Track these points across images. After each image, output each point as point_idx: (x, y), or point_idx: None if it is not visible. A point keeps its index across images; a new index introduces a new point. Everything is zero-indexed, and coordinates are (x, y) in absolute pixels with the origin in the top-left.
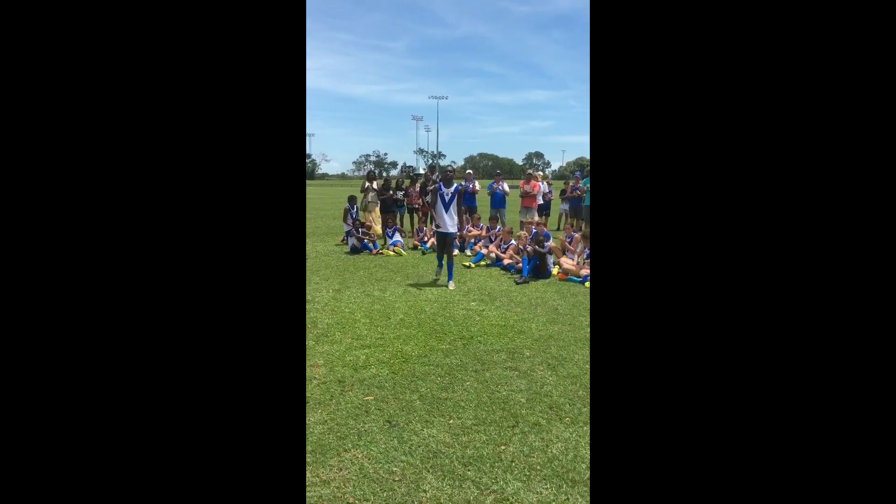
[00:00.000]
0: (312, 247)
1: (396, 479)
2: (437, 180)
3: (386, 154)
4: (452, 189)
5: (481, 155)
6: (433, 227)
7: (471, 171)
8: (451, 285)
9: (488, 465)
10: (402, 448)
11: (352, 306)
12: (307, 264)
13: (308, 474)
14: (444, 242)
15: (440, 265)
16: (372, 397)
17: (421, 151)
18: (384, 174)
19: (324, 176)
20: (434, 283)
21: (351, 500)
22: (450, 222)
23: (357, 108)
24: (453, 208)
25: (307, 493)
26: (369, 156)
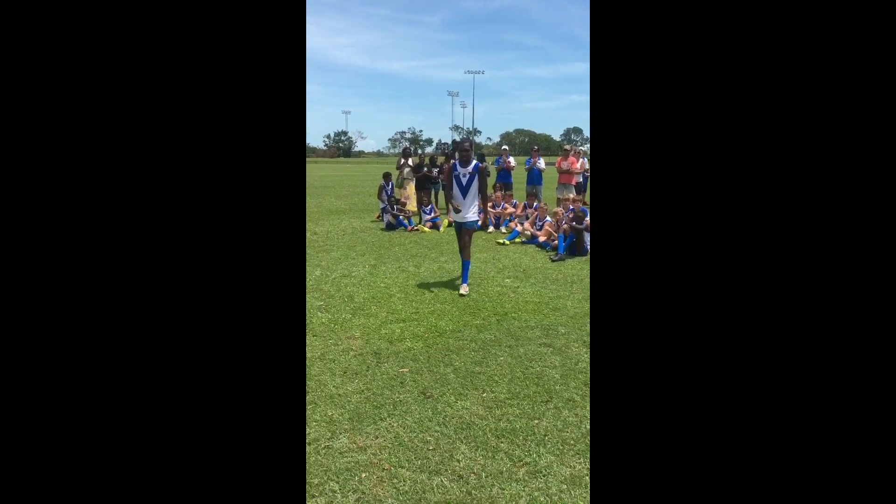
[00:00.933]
0: (349, 223)
1: (430, 448)
2: (455, 158)
3: (421, 131)
4: (471, 168)
5: (517, 131)
6: (451, 214)
7: (506, 147)
8: (464, 289)
9: (521, 437)
10: (436, 419)
11: (387, 281)
12: (344, 240)
13: (346, 440)
14: (461, 233)
15: (464, 270)
16: (407, 369)
17: (456, 128)
18: (419, 151)
19: (360, 153)
20: None
21: (387, 467)
22: (468, 208)
23: (393, 85)
24: (474, 191)
25: (345, 459)
26: (405, 133)
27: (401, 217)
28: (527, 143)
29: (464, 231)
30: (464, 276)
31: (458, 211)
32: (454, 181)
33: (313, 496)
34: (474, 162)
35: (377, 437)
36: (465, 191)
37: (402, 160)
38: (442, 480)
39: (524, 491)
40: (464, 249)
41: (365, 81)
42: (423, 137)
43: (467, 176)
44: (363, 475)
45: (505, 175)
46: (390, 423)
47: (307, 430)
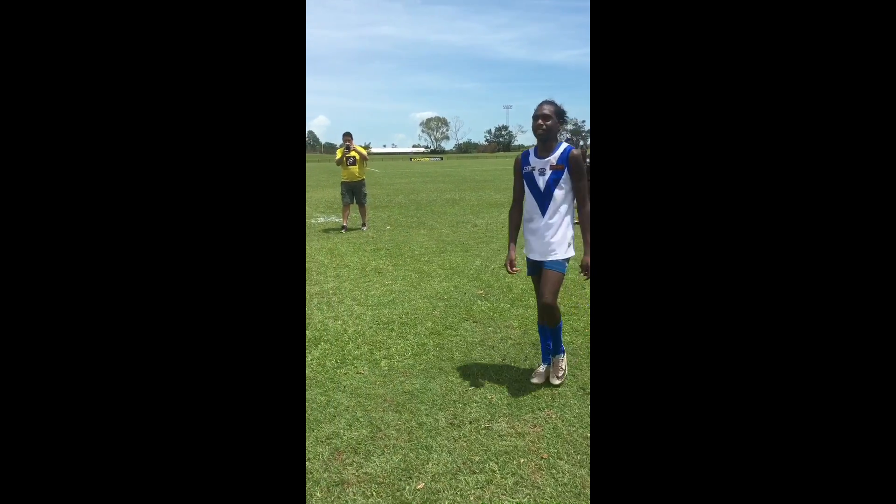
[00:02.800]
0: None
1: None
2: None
3: (584, 122)
4: (555, 156)
5: None
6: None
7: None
8: (556, 380)
9: None
10: None
11: None
12: (503, 232)
13: (504, 424)
14: (540, 281)
15: (544, 343)
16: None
17: None
18: (581, 143)
19: (520, 147)
20: None
21: (545, 456)
22: (549, 233)
23: (555, 76)
24: (560, 203)
25: (504, 442)
26: (566, 124)
27: None
28: None
29: (545, 277)
30: (546, 351)
31: (533, 238)
32: (525, 183)
33: (474, 472)
34: (563, 146)
35: (535, 426)
36: (543, 201)
37: None
38: None
39: None
40: (546, 311)
41: (528, 74)
42: (586, 129)
43: (547, 173)
44: (521, 460)
45: None
46: (548, 414)
47: (468, 410)
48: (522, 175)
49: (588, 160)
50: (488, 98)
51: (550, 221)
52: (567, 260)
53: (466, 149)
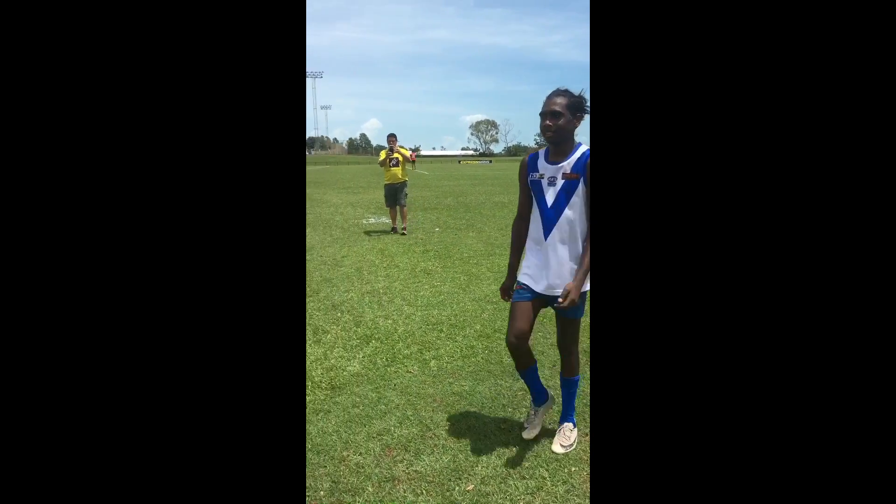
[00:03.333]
0: None
1: None
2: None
3: None
4: (569, 162)
5: None
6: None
7: None
8: (562, 440)
9: None
10: None
11: None
12: None
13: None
14: (525, 308)
15: (534, 396)
16: None
17: None
18: None
19: None
20: None
21: None
22: (559, 263)
23: None
24: (573, 222)
25: (552, 449)
26: None
27: None
28: None
29: (560, 321)
30: (566, 410)
31: (529, 273)
32: (532, 192)
33: (524, 478)
34: (581, 149)
35: (586, 435)
36: (551, 220)
37: None
38: None
39: None
40: (567, 357)
41: (578, 77)
42: None
43: (559, 183)
44: (572, 469)
45: None
46: None
47: (517, 415)
48: (529, 183)
49: None
50: (538, 101)
51: (560, 246)
52: (583, 297)
53: (516, 152)
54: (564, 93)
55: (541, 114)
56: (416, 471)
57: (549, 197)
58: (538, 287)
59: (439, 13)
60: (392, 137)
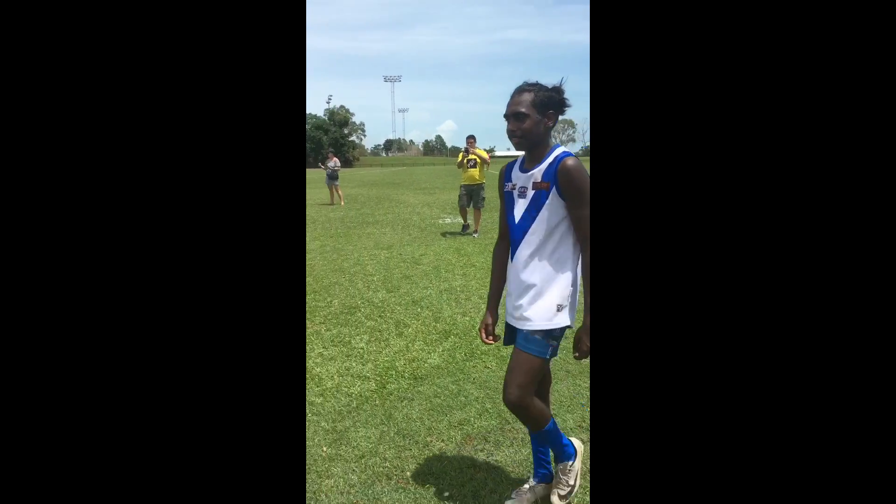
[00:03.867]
0: None
1: None
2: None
3: None
4: (542, 168)
5: None
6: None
7: None
8: (558, 499)
9: None
10: None
11: None
12: None
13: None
14: (513, 357)
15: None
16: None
17: None
18: None
19: None
20: None
21: None
22: (519, 289)
23: None
24: (541, 238)
25: None
26: None
27: None
28: None
29: (513, 360)
30: (540, 462)
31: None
32: (504, 204)
33: None
34: (554, 153)
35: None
36: (518, 237)
37: None
38: None
39: None
40: (515, 410)
41: None
42: None
43: (529, 195)
44: None
45: None
46: None
47: None
48: (504, 193)
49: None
50: None
51: (526, 268)
52: (551, 335)
53: None
54: (531, 88)
55: (504, 116)
56: (495, 461)
57: (518, 211)
58: (509, 318)
59: (517, 13)
60: (471, 139)
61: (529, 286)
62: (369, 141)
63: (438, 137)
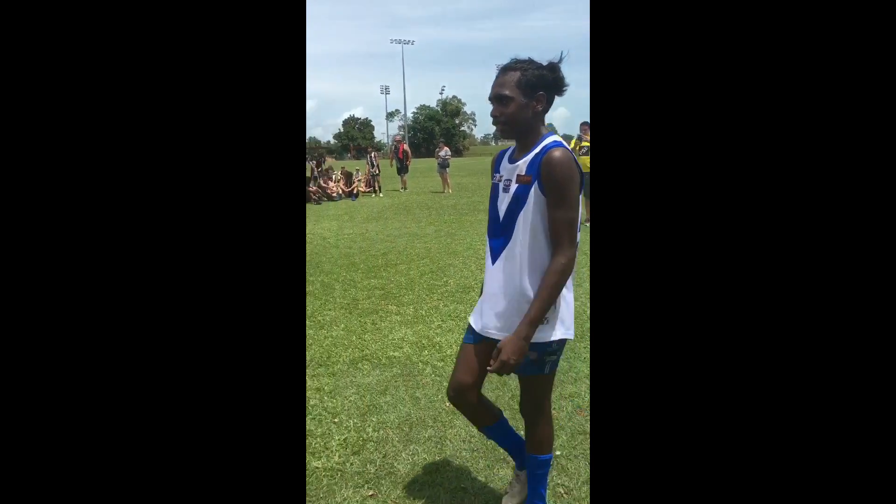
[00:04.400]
0: None
1: None
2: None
3: None
4: (528, 159)
5: None
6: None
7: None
8: None
9: None
10: None
11: None
12: None
13: None
14: (470, 351)
15: (513, 457)
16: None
17: None
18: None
19: None
20: None
21: None
22: (504, 293)
23: None
24: (526, 237)
25: None
26: None
27: None
28: None
29: (523, 385)
30: (530, 496)
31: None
32: (489, 198)
33: None
34: (543, 142)
35: None
36: (500, 235)
37: None
38: None
39: None
40: (530, 427)
41: None
42: None
43: (512, 188)
44: None
45: None
46: None
47: None
48: (492, 187)
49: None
50: None
51: (499, 275)
52: (549, 347)
53: None
54: (519, 66)
55: (488, 98)
56: None
57: (502, 206)
58: (477, 325)
59: None
60: (585, 125)
61: (501, 297)
62: (479, 130)
63: (550, 125)
